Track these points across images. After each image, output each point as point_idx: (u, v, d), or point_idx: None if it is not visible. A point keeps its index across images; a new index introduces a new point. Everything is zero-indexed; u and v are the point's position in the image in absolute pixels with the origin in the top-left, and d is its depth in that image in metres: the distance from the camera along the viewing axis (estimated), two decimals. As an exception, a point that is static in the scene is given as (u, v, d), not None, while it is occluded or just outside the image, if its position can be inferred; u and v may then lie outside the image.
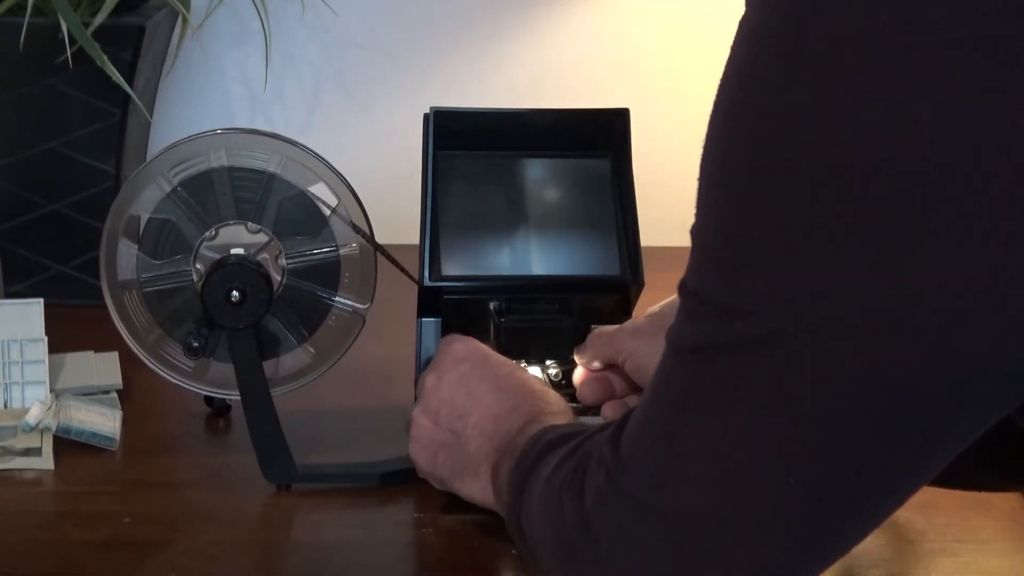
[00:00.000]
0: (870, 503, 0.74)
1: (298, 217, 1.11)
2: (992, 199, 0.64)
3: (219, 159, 1.10)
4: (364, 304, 1.14)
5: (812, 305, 0.68)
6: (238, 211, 1.11)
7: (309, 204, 1.11)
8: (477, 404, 1.02)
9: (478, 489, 1.00)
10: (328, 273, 1.13)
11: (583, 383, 1.12)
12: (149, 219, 1.11)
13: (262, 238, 1.11)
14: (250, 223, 1.11)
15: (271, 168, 1.10)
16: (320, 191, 1.11)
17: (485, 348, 1.08)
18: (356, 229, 1.11)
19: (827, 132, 0.66)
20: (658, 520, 0.75)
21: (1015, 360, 0.67)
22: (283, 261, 1.12)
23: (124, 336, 1.13)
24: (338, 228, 1.12)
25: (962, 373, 0.68)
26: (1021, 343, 0.67)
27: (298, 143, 1.10)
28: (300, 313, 1.13)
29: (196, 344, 1.09)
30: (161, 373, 1.14)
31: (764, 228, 0.69)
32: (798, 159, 0.67)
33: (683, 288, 0.74)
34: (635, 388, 1.12)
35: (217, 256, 1.11)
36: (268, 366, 1.12)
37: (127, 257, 1.12)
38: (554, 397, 1.02)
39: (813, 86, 0.66)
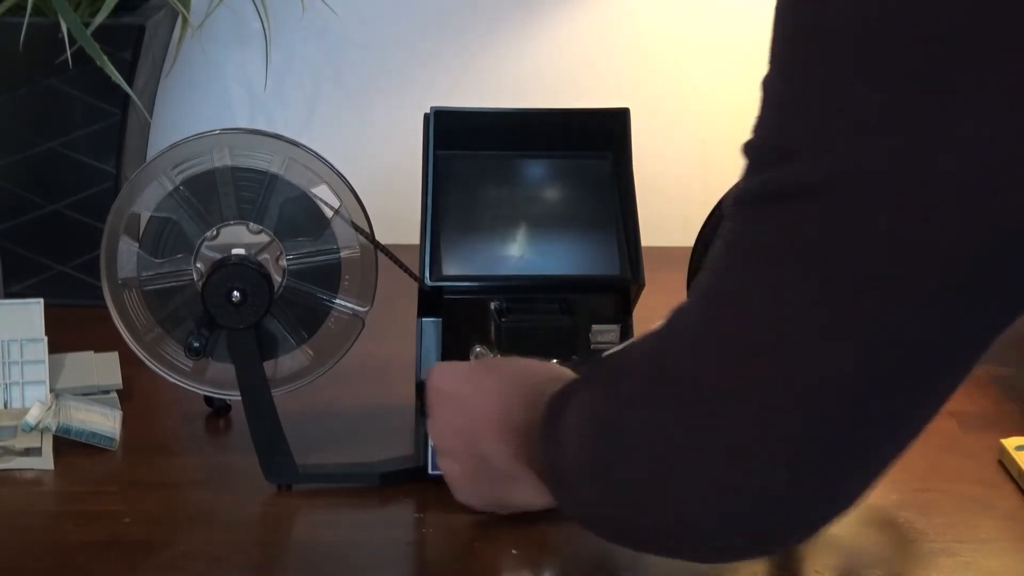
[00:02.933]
0: (894, 402, 0.71)
1: (300, 218, 1.11)
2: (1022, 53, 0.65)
3: (222, 159, 1.10)
4: (364, 307, 1.14)
5: (852, 148, 0.68)
6: (240, 211, 1.11)
7: (311, 206, 1.11)
8: (478, 420, 1.01)
9: (529, 490, 0.98)
10: (328, 275, 1.13)
11: None
12: (151, 217, 1.11)
13: (263, 239, 1.11)
14: (252, 223, 1.11)
15: (274, 169, 1.10)
16: (322, 193, 1.11)
17: (457, 366, 1.07)
18: (356, 228, 1.11)
19: None
20: (688, 400, 0.74)
21: None
22: (284, 262, 1.12)
23: (123, 334, 1.13)
24: (339, 230, 1.12)
25: (984, 236, 0.67)
26: None
27: (301, 144, 1.10)
28: (300, 314, 1.13)
29: (197, 344, 1.09)
30: (161, 373, 1.14)
31: (819, 69, 0.70)
32: (854, 5, 0.68)
33: (746, 145, 0.75)
34: None
35: (218, 256, 1.11)
36: (266, 367, 1.12)
37: (128, 255, 1.12)
38: (541, 365, 1.02)
39: None
